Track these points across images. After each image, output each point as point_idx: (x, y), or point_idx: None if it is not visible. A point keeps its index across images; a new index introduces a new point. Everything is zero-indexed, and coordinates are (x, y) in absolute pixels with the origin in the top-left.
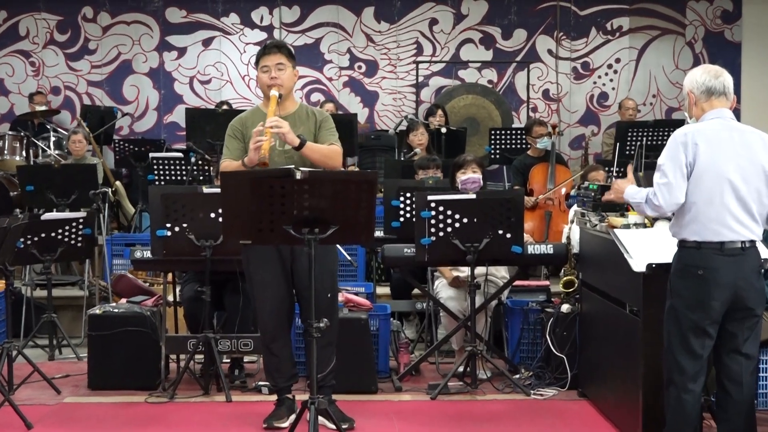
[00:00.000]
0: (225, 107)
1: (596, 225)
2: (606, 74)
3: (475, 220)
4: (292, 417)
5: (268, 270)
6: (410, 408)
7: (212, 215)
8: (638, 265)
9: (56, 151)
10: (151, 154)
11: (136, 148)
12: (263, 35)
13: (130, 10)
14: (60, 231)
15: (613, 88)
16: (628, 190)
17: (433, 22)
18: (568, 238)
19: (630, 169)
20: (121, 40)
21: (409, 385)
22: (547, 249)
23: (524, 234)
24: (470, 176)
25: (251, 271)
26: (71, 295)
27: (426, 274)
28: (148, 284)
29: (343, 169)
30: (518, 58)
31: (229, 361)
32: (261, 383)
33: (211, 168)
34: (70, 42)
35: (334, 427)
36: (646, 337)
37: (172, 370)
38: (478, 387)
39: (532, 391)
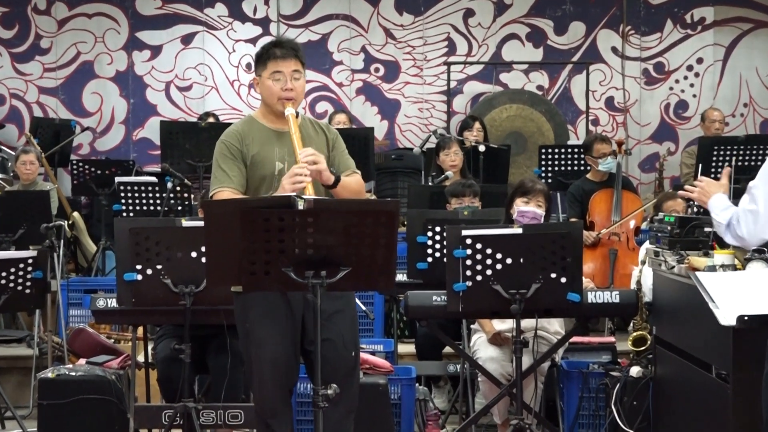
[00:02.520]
0: (210, 120)
1: (674, 267)
2: (685, 78)
3: (521, 260)
4: None
5: (270, 323)
6: None
7: (193, 254)
8: (727, 317)
9: (0, 175)
10: (117, 179)
11: (99, 171)
12: (257, 30)
13: None
14: (3, 274)
15: (694, 96)
16: (716, 199)
17: (469, 13)
18: (639, 283)
19: (727, 172)
20: (80, 36)
21: None
22: (611, 297)
23: (583, 278)
24: (532, 210)
25: (249, 326)
26: (17, 355)
27: (460, 328)
28: (112, 341)
29: None
30: (575, 59)
31: None
32: None
33: (192, 196)
34: (17, 39)
35: None
36: (737, 408)
37: None
38: None
39: None
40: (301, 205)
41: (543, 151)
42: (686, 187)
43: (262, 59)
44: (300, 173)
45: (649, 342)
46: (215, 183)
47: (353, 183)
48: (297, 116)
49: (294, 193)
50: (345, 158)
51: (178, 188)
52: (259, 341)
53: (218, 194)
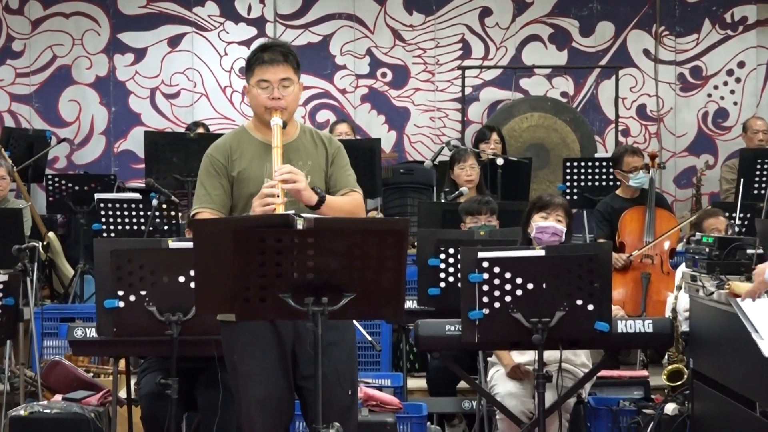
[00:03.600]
0: (199, 131)
1: (713, 293)
2: (725, 84)
3: (544, 285)
4: None
5: (259, 355)
6: None
7: (181, 279)
8: None
9: None
10: (96, 195)
11: (77, 187)
12: (251, 31)
13: None
14: None
15: (735, 103)
16: None
17: (486, 12)
18: (674, 311)
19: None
20: (56, 38)
21: None
22: (644, 326)
23: (613, 305)
24: (552, 225)
25: (236, 358)
26: None
27: (476, 361)
28: (91, 375)
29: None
30: (603, 62)
31: None
32: None
33: (180, 214)
34: None
35: None
36: None
37: None
38: None
39: None
40: (300, 225)
41: (567, 164)
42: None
43: (249, 65)
44: (270, 193)
45: (685, 376)
46: (196, 202)
47: (346, 203)
48: (284, 126)
49: (292, 211)
50: (344, 174)
51: (164, 206)
52: (246, 377)
53: (197, 216)
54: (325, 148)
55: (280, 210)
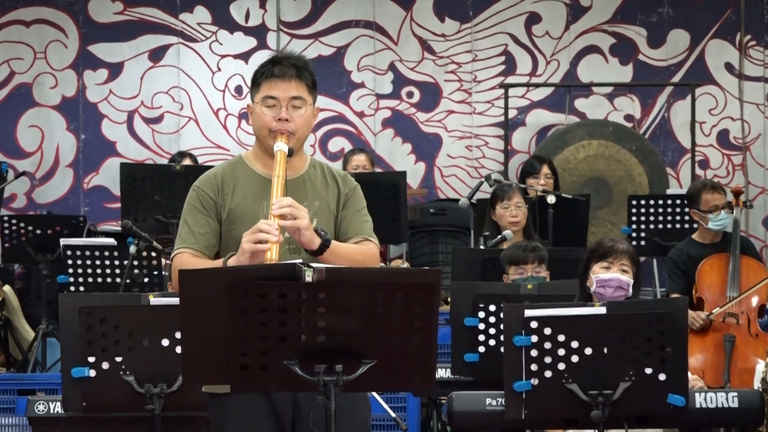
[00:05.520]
0: (185, 162)
1: None
2: None
3: (605, 350)
4: None
5: None
6: None
7: (164, 343)
8: None
9: None
10: (62, 241)
11: (39, 231)
12: (249, 42)
13: (30, 2)
14: None
15: None
16: None
17: (534, 18)
18: (765, 381)
19: None
20: (14, 51)
21: None
22: (728, 399)
23: (690, 374)
24: (616, 277)
25: None
26: None
27: None
28: None
29: (383, 265)
30: (676, 79)
31: None
32: None
33: (164, 263)
34: None
35: None
36: None
37: None
38: None
39: None
40: (309, 276)
41: (633, 203)
42: None
43: (255, 79)
44: (265, 229)
45: None
46: (177, 242)
47: (356, 253)
48: (290, 155)
49: (299, 261)
50: (359, 220)
51: (143, 253)
52: None
53: (176, 258)
54: (337, 187)
55: (274, 251)
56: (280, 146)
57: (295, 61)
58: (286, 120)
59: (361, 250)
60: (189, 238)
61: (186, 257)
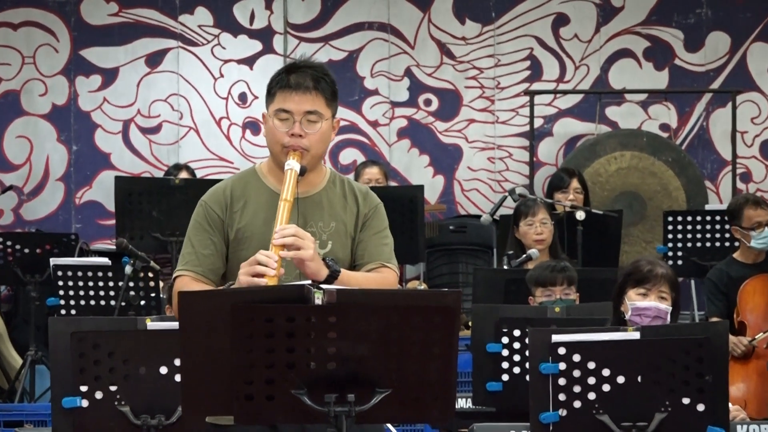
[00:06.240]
0: (182, 175)
1: None
2: None
3: (639, 379)
4: None
5: None
6: None
7: (162, 370)
8: None
9: None
10: (52, 260)
11: (27, 250)
12: (254, 46)
13: (18, 3)
14: None
15: None
16: None
17: (561, 20)
18: None
19: None
20: (1, 55)
21: None
22: None
23: (731, 404)
24: (654, 306)
25: None
26: None
27: None
28: None
29: (400, 287)
30: (716, 85)
31: None
32: None
33: (162, 285)
34: None
35: None
36: None
37: None
38: None
39: None
40: (319, 299)
41: (670, 219)
42: None
43: (270, 88)
44: (263, 261)
45: None
46: (180, 262)
47: (370, 282)
48: (302, 174)
49: (308, 282)
50: (378, 243)
51: (140, 274)
52: None
53: (177, 282)
54: (357, 206)
55: (272, 283)
56: (291, 164)
57: (313, 70)
58: (300, 136)
59: (375, 280)
60: (192, 259)
61: (186, 281)
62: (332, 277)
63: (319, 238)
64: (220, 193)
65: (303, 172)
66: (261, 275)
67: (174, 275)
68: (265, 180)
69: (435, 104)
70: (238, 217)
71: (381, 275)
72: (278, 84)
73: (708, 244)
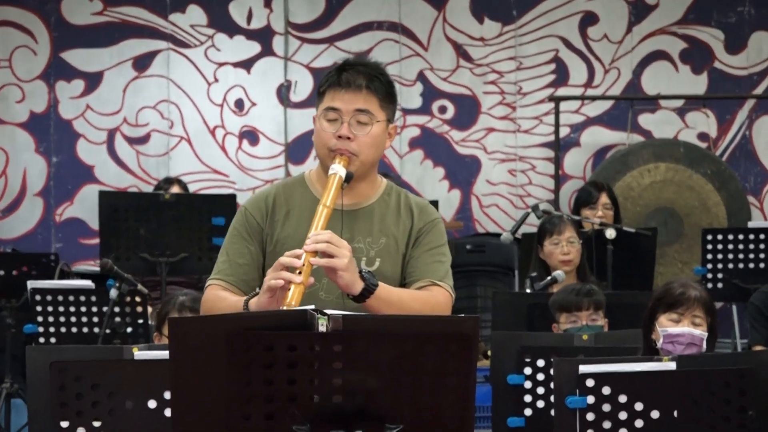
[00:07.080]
0: (174, 190)
1: None
2: None
3: (675, 413)
4: None
5: None
6: None
7: (151, 404)
8: None
9: None
10: (30, 283)
11: (2, 272)
12: (253, 48)
13: None
14: None
15: None
16: None
17: (589, 19)
18: None
19: None
20: None
21: None
22: None
23: None
24: (687, 332)
25: None
26: None
27: None
28: None
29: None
30: (759, 90)
31: None
32: None
33: (150, 310)
34: None
35: None
36: None
37: None
38: None
39: None
40: (323, 325)
41: (709, 237)
42: None
43: (320, 87)
44: (287, 263)
45: None
46: (213, 271)
47: (414, 300)
48: (348, 181)
49: (311, 306)
50: (430, 260)
51: (126, 298)
52: None
53: (207, 291)
54: (411, 220)
55: (296, 293)
56: (336, 169)
57: (369, 69)
58: (348, 138)
59: (421, 298)
60: (225, 268)
61: (213, 292)
62: (368, 291)
63: (367, 254)
64: (262, 199)
65: (349, 178)
66: (287, 282)
67: (206, 285)
68: (311, 188)
69: (451, 111)
70: (279, 227)
71: (429, 293)
72: (328, 82)
73: (751, 265)
